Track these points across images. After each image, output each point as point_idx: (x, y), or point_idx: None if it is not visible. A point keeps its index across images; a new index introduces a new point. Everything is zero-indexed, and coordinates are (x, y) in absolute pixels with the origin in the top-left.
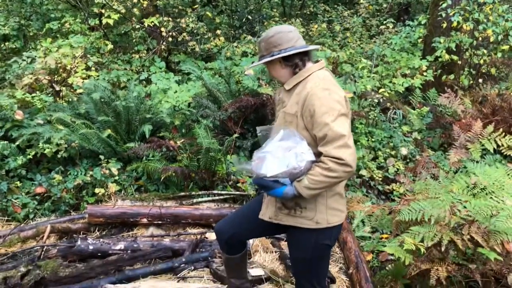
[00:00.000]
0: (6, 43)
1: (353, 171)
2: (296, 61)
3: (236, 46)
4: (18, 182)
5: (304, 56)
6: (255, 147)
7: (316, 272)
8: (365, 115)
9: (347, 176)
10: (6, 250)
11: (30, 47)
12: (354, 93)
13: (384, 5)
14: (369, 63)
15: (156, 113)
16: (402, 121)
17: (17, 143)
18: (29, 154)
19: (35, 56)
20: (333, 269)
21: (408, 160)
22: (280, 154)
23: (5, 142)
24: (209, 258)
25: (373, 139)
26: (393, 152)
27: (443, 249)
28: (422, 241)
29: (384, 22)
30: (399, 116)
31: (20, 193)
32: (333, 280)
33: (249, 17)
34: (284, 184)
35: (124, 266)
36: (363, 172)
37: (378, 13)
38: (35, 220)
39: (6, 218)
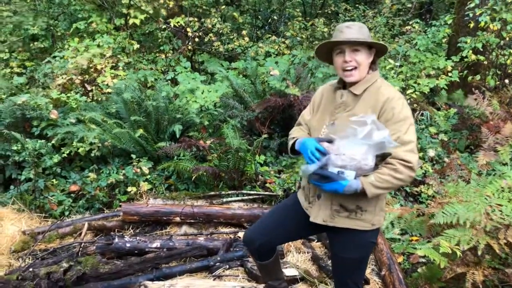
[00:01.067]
0: (35, 43)
1: (413, 177)
2: (375, 60)
3: (260, 46)
4: (53, 180)
5: None
6: (282, 148)
7: (362, 272)
8: None
9: (409, 181)
10: (46, 246)
11: (58, 47)
12: None
13: (409, 5)
14: (394, 64)
15: (185, 113)
16: (428, 122)
17: (52, 141)
18: (64, 153)
19: (64, 56)
20: (366, 270)
21: (434, 162)
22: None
23: (42, 141)
24: (243, 257)
25: None
26: (420, 154)
27: (479, 253)
28: (457, 244)
29: (410, 22)
30: (426, 117)
31: (55, 190)
32: (367, 281)
33: (275, 17)
34: (346, 179)
35: (161, 264)
36: None
37: (401, 13)
38: (70, 217)
39: (43, 214)
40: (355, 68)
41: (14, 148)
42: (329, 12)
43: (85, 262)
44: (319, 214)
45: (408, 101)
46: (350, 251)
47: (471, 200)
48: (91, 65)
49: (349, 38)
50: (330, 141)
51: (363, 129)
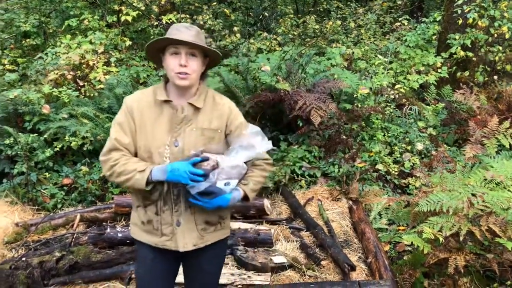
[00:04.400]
0: (27, 40)
1: None
2: (206, 71)
3: (251, 43)
4: (46, 173)
5: None
6: (273, 142)
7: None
8: (381, 110)
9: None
10: (39, 237)
11: (50, 44)
12: (370, 88)
13: (399, 2)
14: (384, 60)
15: None
16: (417, 117)
17: (44, 136)
18: (56, 147)
19: (57, 53)
20: (352, 258)
21: (423, 156)
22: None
23: (34, 135)
24: (233, 246)
25: (389, 134)
26: (409, 147)
27: (461, 238)
28: (440, 230)
29: (400, 19)
30: (415, 112)
31: (48, 184)
32: (353, 268)
33: (266, 14)
34: (229, 191)
35: None
36: (380, 166)
37: (392, 10)
38: (63, 209)
39: (36, 207)
40: (188, 73)
41: (7, 142)
42: (321, 9)
43: (77, 251)
44: (186, 241)
45: (397, 96)
46: (218, 262)
47: (454, 189)
48: (83, 61)
49: (188, 39)
50: (204, 159)
51: (255, 139)
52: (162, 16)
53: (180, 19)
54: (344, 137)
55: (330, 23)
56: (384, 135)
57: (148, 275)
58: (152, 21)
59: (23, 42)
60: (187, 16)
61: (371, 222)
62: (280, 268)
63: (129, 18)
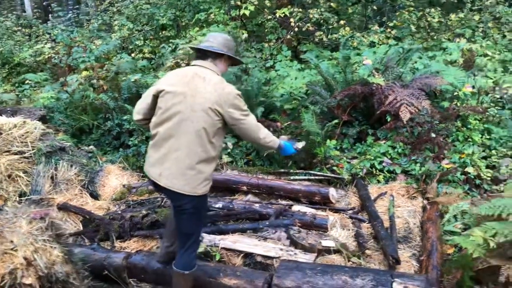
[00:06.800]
0: (163, 32)
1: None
2: None
3: (364, 36)
4: None
5: None
6: (361, 135)
7: None
8: (482, 110)
9: None
10: (137, 198)
11: (182, 36)
12: (473, 87)
13: None
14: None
15: (269, 97)
16: None
17: None
18: None
19: (179, 43)
20: (406, 253)
21: None
22: None
23: None
24: (289, 225)
25: (489, 137)
26: (510, 153)
27: None
28: (494, 236)
29: None
30: None
31: None
32: (397, 261)
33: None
34: None
35: (219, 221)
36: (470, 169)
37: None
38: None
39: (142, 174)
40: None
41: (125, 118)
42: (455, 1)
43: (160, 212)
44: None
45: (505, 96)
46: None
47: None
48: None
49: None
50: None
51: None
52: (277, 10)
53: (292, 12)
54: (433, 135)
55: (453, 15)
56: (482, 137)
57: None
58: (266, 15)
59: (160, 33)
60: (299, 9)
61: (443, 224)
62: (328, 251)
63: (247, 12)
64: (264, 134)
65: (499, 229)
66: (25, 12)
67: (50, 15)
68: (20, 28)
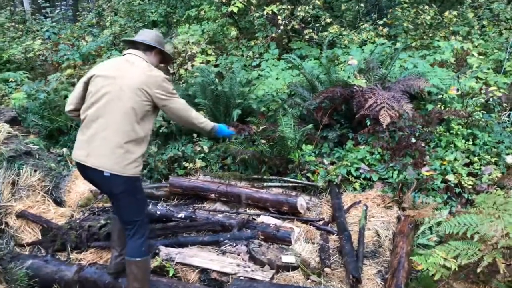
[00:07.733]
0: (154, 29)
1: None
2: None
3: (353, 34)
4: None
5: None
6: (342, 139)
7: None
8: (465, 115)
9: None
10: (103, 205)
11: (173, 33)
12: (457, 89)
13: None
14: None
15: (247, 99)
16: None
17: None
18: None
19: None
20: (372, 270)
21: None
22: None
23: None
24: (251, 238)
25: (474, 143)
26: (494, 160)
27: (479, 270)
28: (456, 257)
29: None
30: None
31: None
32: (358, 280)
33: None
34: None
35: (179, 233)
36: (451, 177)
37: None
38: None
39: None
40: None
41: None
42: None
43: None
44: None
45: (491, 99)
46: None
47: (492, 213)
48: (183, 49)
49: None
50: None
51: None
52: (265, 7)
53: (280, 9)
54: (414, 140)
55: (447, 13)
56: (465, 143)
57: None
58: (252, 12)
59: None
60: (288, 7)
61: (417, 236)
62: (288, 268)
63: (235, 9)
64: (196, 114)
65: (463, 250)
66: (23, 6)
67: (42, 10)
68: (13, 24)
